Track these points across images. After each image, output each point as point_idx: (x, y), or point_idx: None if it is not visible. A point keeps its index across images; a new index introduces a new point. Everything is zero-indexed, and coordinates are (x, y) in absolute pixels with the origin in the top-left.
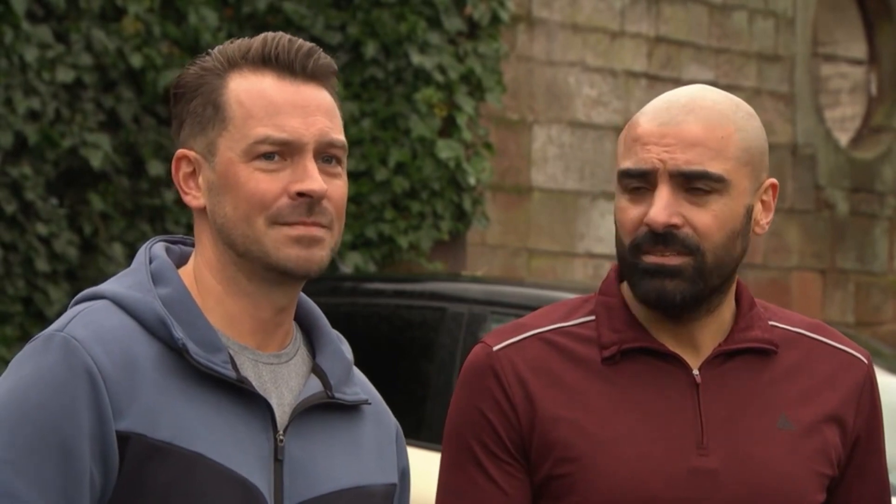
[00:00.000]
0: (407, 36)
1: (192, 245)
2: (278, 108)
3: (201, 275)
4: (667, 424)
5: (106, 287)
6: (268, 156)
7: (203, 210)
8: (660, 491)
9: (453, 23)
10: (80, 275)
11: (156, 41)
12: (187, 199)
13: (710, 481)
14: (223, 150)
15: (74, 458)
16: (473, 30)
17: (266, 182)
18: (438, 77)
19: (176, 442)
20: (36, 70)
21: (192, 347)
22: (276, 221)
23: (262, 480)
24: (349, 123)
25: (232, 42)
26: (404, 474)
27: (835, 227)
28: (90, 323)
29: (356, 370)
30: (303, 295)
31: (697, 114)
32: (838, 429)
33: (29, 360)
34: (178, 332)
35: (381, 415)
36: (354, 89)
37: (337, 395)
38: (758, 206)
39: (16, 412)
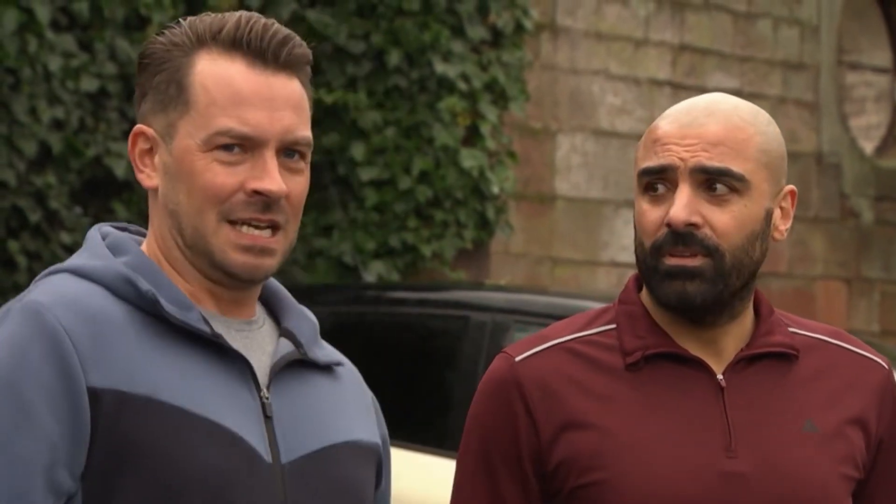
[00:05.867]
0: (430, 45)
1: (136, 231)
2: (244, 99)
3: (155, 255)
4: (694, 429)
5: (64, 263)
6: (227, 147)
7: (156, 190)
8: (691, 496)
9: (477, 31)
10: None
11: None
12: (141, 178)
13: (741, 485)
14: (182, 134)
15: (32, 422)
16: (497, 38)
17: (223, 175)
18: (462, 86)
19: (156, 396)
20: (60, 79)
21: (164, 301)
22: (227, 218)
23: (255, 437)
24: (372, 132)
25: (206, 16)
26: (385, 442)
27: (860, 236)
28: (51, 290)
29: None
30: None
31: (718, 116)
32: (862, 433)
33: None
34: (146, 285)
35: (356, 378)
36: (378, 98)
37: (309, 354)
38: (777, 212)
39: None
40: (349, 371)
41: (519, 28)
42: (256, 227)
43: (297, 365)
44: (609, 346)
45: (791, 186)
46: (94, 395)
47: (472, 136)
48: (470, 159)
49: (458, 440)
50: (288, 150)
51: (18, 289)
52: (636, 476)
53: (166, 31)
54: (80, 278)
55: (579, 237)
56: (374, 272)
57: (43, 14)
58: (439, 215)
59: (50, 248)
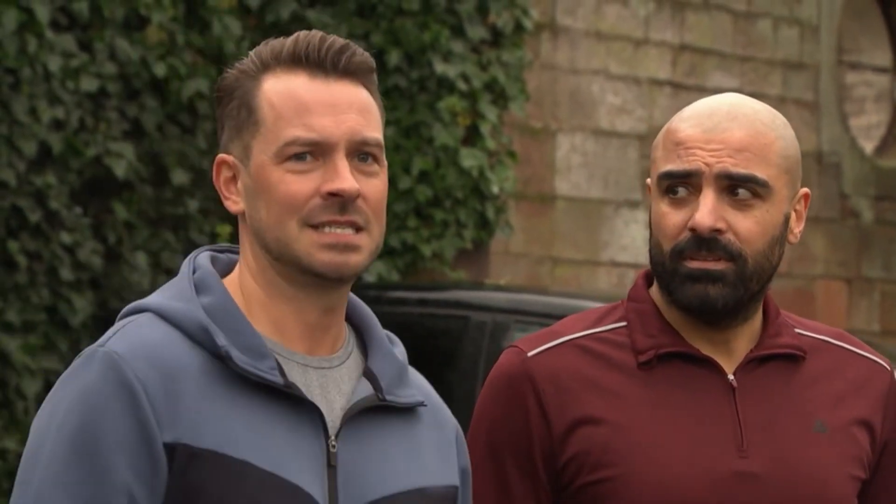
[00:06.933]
0: (430, 45)
1: (238, 252)
2: (308, 108)
3: (245, 281)
4: (706, 428)
5: (150, 299)
6: (299, 156)
7: (244, 215)
8: (703, 495)
9: (477, 31)
10: (104, 284)
11: (179, 50)
12: (228, 205)
13: (753, 485)
14: (256, 153)
15: (110, 475)
16: (497, 38)
17: (297, 183)
18: (462, 85)
19: (221, 450)
20: (60, 79)
21: (237, 354)
22: (308, 223)
23: (315, 487)
24: None
25: (268, 43)
26: (465, 473)
27: (860, 236)
28: (132, 337)
29: (413, 372)
30: (354, 297)
31: (741, 121)
32: (868, 434)
33: (73, 378)
34: (222, 340)
35: (438, 416)
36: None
37: (388, 397)
38: (793, 215)
39: (58, 431)
40: (431, 407)
41: (519, 28)
42: (338, 227)
43: (375, 409)
44: (620, 344)
45: (805, 189)
46: (168, 449)
47: (472, 136)
48: (470, 159)
49: None
50: (361, 154)
51: (19, 289)
52: (647, 474)
53: (236, 65)
54: (161, 321)
55: (579, 237)
56: (374, 272)
57: (43, 14)
58: (439, 215)
59: (50, 248)
